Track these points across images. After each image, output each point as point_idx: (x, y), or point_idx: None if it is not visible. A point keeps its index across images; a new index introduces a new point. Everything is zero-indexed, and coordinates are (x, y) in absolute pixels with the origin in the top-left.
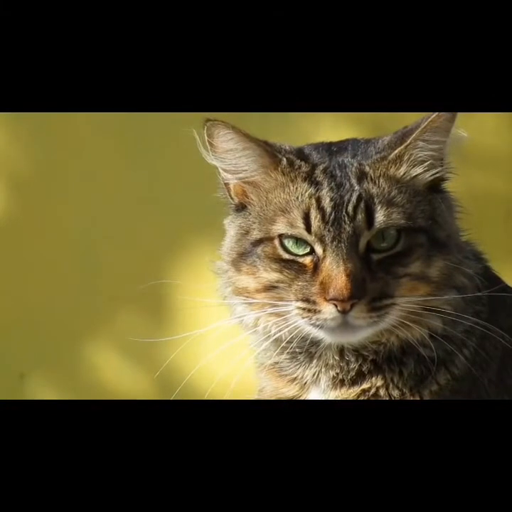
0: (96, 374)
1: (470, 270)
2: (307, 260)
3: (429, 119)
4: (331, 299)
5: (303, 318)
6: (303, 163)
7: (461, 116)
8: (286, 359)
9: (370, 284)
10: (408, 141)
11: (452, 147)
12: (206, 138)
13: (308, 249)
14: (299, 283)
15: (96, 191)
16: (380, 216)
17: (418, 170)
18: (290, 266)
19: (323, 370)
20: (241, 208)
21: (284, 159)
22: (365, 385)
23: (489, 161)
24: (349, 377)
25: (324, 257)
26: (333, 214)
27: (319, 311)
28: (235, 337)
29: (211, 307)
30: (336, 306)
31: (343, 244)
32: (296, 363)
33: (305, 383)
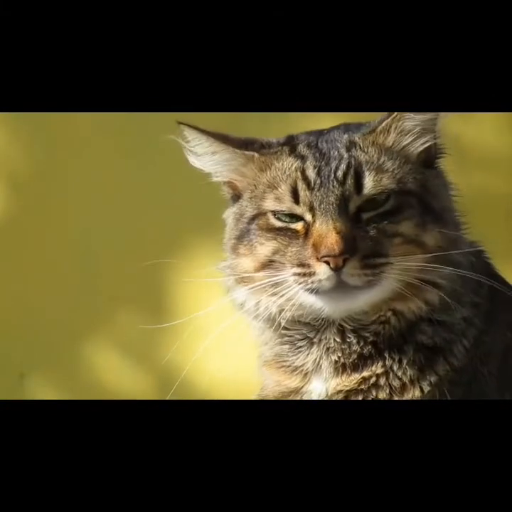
0: (96, 374)
1: (466, 248)
2: (299, 226)
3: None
4: (322, 257)
5: (299, 284)
6: (281, 147)
7: (461, 116)
8: (286, 348)
9: (361, 242)
10: (395, 113)
11: (444, 121)
12: (182, 142)
13: (299, 219)
14: (293, 249)
15: (96, 191)
16: (369, 182)
17: (407, 139)
18: (284, 233)
19: (324, 355)
20: (236, 198)
21: (256, 154)
22: (365, 373)
23: (489, 161)
24: (351, 360)
25: (314, 221)
26: (318, 180)
27: (313, 273)
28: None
29: (214, 290)
30: (329, 263)
31: (331, 206)
32: (296, 351)
33: (306, 373)
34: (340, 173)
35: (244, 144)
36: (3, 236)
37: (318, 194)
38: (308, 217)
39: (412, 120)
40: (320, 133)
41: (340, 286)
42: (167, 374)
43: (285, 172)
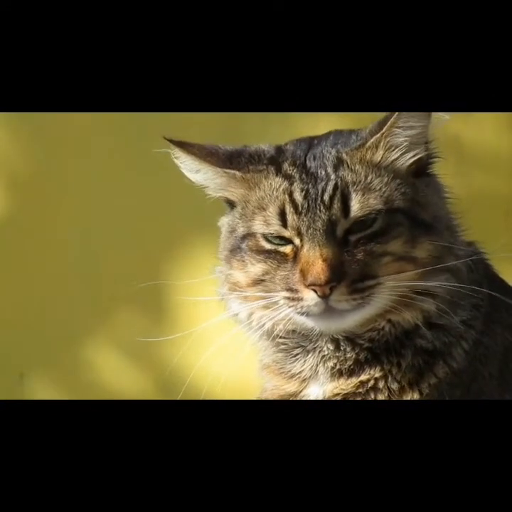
0: (96, 374)
1: (463, 254)
2: (288, 249)
3: (402, 112)
4: (309, 285)
5: (289, 307)
6: (265, 166)
7: (461, 116)
8: (282, 356)
9: (349, 267)
10: (384, 129)
11: (434, 130)
12: (173, 158)
13: (288, 242)
14: (282, 273)
15: (96, 191)
16: (356, 204)
17: (396, 154)
18: (273, 256)
19: (320, 362)
20: (232, 206)
21: (237, 172)
22: (363, 377)
23: (489, 161)
24: (347, 366)
25: (302, 246)
26: (306, 204)
27: (302, 299)
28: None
29: (210, 305)
30: (316, 291)
31: (318, 232)
32: (292, 359)
33: (304, 379)
34: (326, 197)
35: (228, 159)
36: (3, 236)
37: (305, 219)
38: (296, 241)
39: (400, 136)
40: (310, 144)
41: (329, 310)
42: (167, 374)
43: (273, 193)
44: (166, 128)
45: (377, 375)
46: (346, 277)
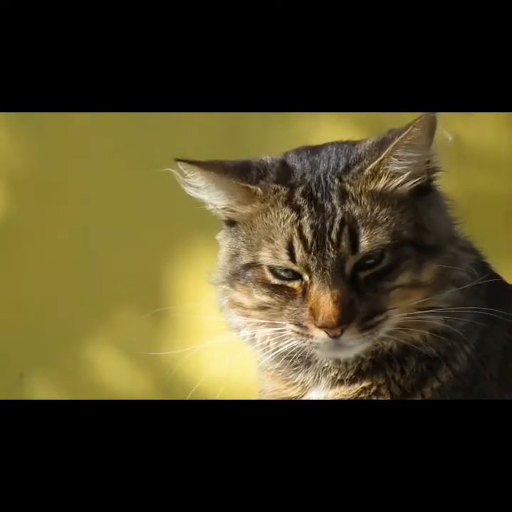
0: (96, 374)
1: (466, 262)
2: (296, 285)
3: (401, 136)
4: (321, 327)
5: (298, 340)
6: (280, 187)
7: (461, 116)
8: (285, 366)
9: (359, 305)
10: (381, 157)
11: (438, 151)
12: (180, 177)
13: (296, 276)
14: (290, 308)
15: (96, 191)
16: (364, 241)
17: (398, 181)
18: (280, 291)
19: (321, 372)
20: (231, 223)
21: (259, 189)
22: (365, 383)
23: (489, 161)
24: (348, 376)
25: (311, 283)
26: (315, 242)
27: (312, 336)
28: (237, 349)
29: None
30: (327, 332)
31: (328, 272)
32: (294, 369)
33: (306, 386)
34: (334, 235)
35: (242, 173)
36: (3, 236)
37: (314, 258)
38: (305, 277)
39: (399, 165)
40: (313, 163)
41: (338, 345)
42: (167, 374)
43: (281, 224)
44: (166, 128)
45: (380, 381)
46: (356, 317)
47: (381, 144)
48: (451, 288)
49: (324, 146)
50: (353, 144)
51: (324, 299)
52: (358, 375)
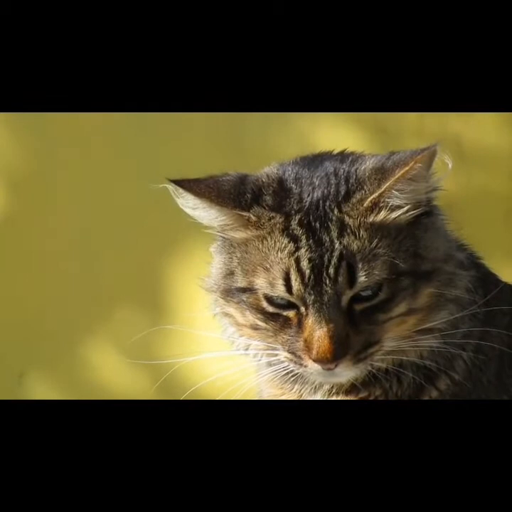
0: (95, 374)
1: (463, 280)
2: (291, 314)
3: (402, 171)
4: (315, 361)
5: (291, 365)
6: (275, 214)
7: (461, 116)
8: (281, 376)
9: (354, 339)
10: (382, 190)
11: (438, 179)
12: (175, 197)
13: (291, 305)
14: (285, 336)
15: (96, 191)
16: (362, 276)
17: (397, 213)
18: (275, 318)
19: (318, 385)
20: (226, 239)
21: (252, 216)
22: (362, 394)
23: (489, 161)
24: (343, 390)
25: (307, 315)
26: (312, 276)
27: (306, 365)
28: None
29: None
30: (321, 366)
31: (324, 306)
32: (290, 379)
33: (301, 396)
34: (332, 270)
35: (237, 198)
36: (3, 236)
37: (311, 292)
38: (301, 308)
39: (399, 198)
40: (310, 180)
41: (331, 374)
42: (167, 374)
43: (277, 254)
44: (167, 128)
45: (377, 393)
46: (351, 349)
47: (382, 173)
48: (447, 307)
49: (321, 160)
50: (351, 161)
51: (320, 333)
52: (354, 388)
